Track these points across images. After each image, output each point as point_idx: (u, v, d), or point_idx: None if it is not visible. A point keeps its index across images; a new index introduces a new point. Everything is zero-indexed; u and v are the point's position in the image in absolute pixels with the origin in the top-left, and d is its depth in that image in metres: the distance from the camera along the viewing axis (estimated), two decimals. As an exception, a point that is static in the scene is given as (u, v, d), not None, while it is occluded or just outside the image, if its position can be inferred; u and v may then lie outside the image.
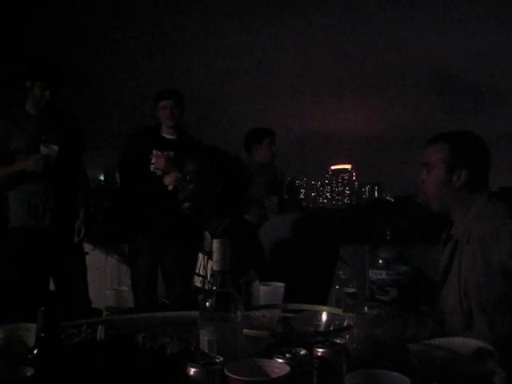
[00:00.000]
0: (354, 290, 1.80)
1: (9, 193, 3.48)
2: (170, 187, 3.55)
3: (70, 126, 3.56)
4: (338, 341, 1.22)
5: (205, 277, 2.30)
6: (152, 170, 3.66)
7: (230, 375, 1.04)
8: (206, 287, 2.22)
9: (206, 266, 2.29)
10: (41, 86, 3.32)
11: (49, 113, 3.44)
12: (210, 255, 2.25)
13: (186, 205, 2.35)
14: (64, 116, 3.57)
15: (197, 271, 2.37)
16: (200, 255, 2.38)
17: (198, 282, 2.35)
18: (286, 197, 4.49)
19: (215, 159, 2.35)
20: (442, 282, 2.00)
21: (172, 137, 3.75)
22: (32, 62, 3.47)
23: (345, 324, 1.46)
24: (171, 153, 3.68)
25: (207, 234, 2.33)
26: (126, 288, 2.16)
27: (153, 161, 3.65)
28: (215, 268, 1.25)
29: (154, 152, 3.67)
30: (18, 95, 3.43)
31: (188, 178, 2.33)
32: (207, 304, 1.23)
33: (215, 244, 1.26)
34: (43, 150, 3.30)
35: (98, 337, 1.38)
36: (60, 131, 3.45)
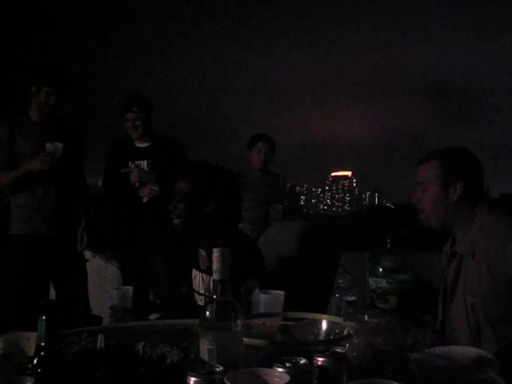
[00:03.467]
0: (354, 298, 1.79)
1: (11, 199, 3.49)
2: (145, 199, 3.60)
3: (71, 135, 3.58)
4: (339, 349, 1.22)
5: (206, 295, 2.28)
6: (131, 182, 3.68)
7: (230, 385, 1.04)
8: None
9: (209, 284, 2.26)
10: (47, 92, 3.33)
11: (51, 120, 3.45)
12: (209, 272, 2.23)
13: (176, 222, 2.32)
14: (66, 124, 3.59)
15: (196, 289, 2.36)
16: (197, 273, 2.36)
17: (199, 300, 2.33)
18: (287, 204, 4.50)
19: (205, 177, 2.32)
20: (449, 298, 2.00)
21: (144, 145, 3.74)
22: (40, 67, 3.49)
23: (345, 332, 1.45)
24: (144, 162, 3.70)
25: (202, 252, 2.31)
26: (131, 287, 2.16)
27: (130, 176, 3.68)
28: (215, 277, 1.25)
29: (129, 166, 3.70)
30: (20, 102, 3.44)
31: (178, 197, 2.30)
32: (207, 313, 1.23)
33: (215, 253, 1.26)
34: (48, 146, 3.32)
35: (97, 345, 1.37)
36: (62, 139, 3.46)
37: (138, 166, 3.69)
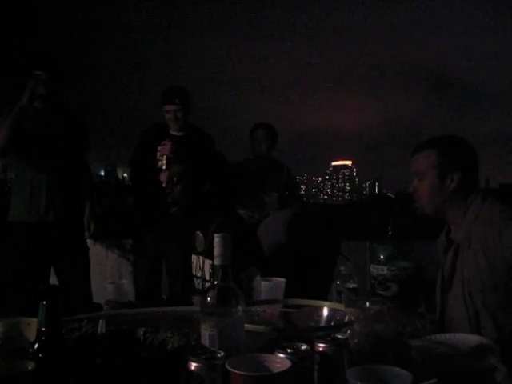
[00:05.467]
0: (355, 285, 1.79)
1: (13, 187, 3.48)
2: (164, 184, 3.56)
3: (75, 124, 3.59)
4: (340, 336, 1.22)
5: (202, 278, 2.28)
6: (158, 157, 3.63)
7: (232, 370, 1.04)
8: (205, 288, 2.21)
9: (203, 267, 2.27)
10: (37, 75, 3.31)
11: (54, 108, 3.45)
12: (204, 254, 2.23)
13: (173, 209, 2.32)
14: (69, 113, 3.59)
15: (194, 273, 2.36)
16: (194, 257, 2.36)
17: (196, 284, 2.34)
18: (287, 193, 4.51)
19: (200, 159, 2.31)
20: (447, 288, 2.00)
21: (180, 133, 3.73)
22: (30, 53, 3.49)
23: (346, 319, 1.46)
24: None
25: (199, 234, 2.31)
26: (126, 281, 2.16)
27: (159, 148, 3.66)
28: (216, 262, 1.25)
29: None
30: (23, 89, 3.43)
31: (175, 179, 2.28)
32: (209, 298, 1.23)
33: (216, 239, 1.26)
34: (37, 75, 3.31)
35: (98, 331, 1.37)
36: (65, 126, 3.48)
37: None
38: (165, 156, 3.61)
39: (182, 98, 3.70)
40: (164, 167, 3.60)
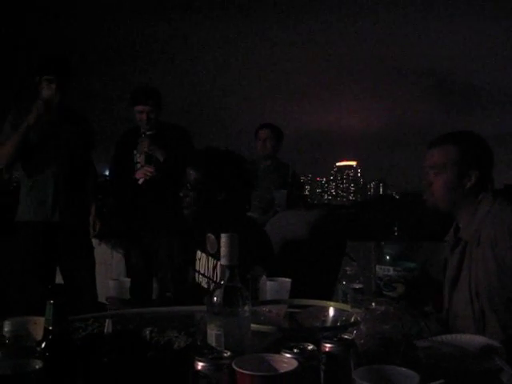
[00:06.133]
0: (361, 285, 1.79)
1: (21, 187, 3.50)
2: (141, 181, 3.60)
3: (81, 124, 3.61)
4: (346, 336, 1.22)
5: (211, 278, 2.28)
6: (136, 154, 3.72)
7: (238, 370, 1.04)
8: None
9: (215, 268, 2.26)
10: (47, 80, 3.34)
11: (60, 108, 3.46)
12: (216, 257, 2.23)
13: (186, 212, 2.30)
14: (74, 113, 3.61)
15: (199, 270, 2.35)
16: (203, 255, 2.35)
17: (203, 282, 2.33)
18: (293, 193, 4.52)
19: (216, 165, 2.28)
20: (453, 286, 1.99)
21: (151, 132, 3.76)
22: (40, 57, 3.51)
23: (352, 319, 1.46)
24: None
25: (211, 236, 2.30)
26: (128, 279, 2.17)
27: (138, 147, 3.71)
28: (223, 262, 1.25)
29: (135, 155, 3.75)
30: (31, 90, 3.46)
31: (189, 186, 2.27)
32: (215, 298, 1.23)
33: (223, 239, 1.26)
34: (43, 92, 3.32)
35: (105, 331, 1.38)
36: (71, 127, 3.50)
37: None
38: (143, 153, 3.67)
39: (154, 99, 3.71)
40: (142, 164, 3.67)
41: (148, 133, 3.73)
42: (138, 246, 3.78)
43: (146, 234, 3.73)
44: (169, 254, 3.62)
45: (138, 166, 3.72)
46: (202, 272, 2.34)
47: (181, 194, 2.30)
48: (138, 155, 3.74)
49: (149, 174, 3.59)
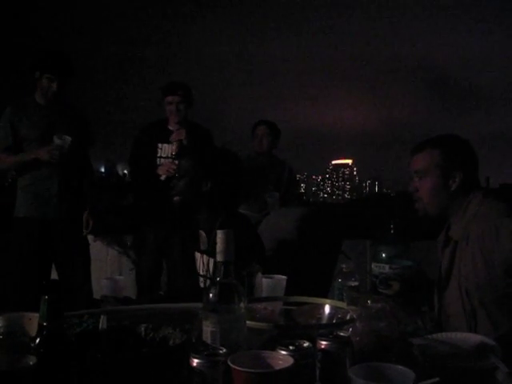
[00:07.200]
0: (356, 283, 1.79)
1: (18, 183, 3.49)
2: (163, 177, 3.57)
3: (78, 120, 3.60)
4: (342, 333, 1.22)
5: (207, 276, 2.28)
6: (160, 147, 3.68)
7: (234, 367, 1.03)
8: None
9: (208, 265, 2.27)
10: (48, 78, 3.33)
11: (58, 104, 3.45)
12: (208, 253, 2.24)
13: (175, 199, 2.33)
14: (73, 110, 3.60)
15: (198, 271, 2.36)
16: (197, 255, 2.36)
17: (201, 282, 2.34)
18: (288, 191, 4.50)
19: (206, 156, 2.33)
20: (444, 285, 2.00)
21: (177, 127, 3.74)
22: (41, 53, 3.50)
23: (348, 317, 1.45)
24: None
25: (202, 233, 2.31)
26: (122, 277, 2.17)
27: (173, 135, 3.68)
28: (219, 259, 1.25)
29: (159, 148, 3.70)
30: (28, 85, 3.45)
31: (178, 174, 2.31)
32: (210, 295, 1.22)
33: (219, 235, 1.25)
34: (56, 140, 3.31)
35: (100, 327, 1.37)
36: (69, 123, 3.49)
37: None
38: (177, 142, 3.63)
39: (185, 91, 3.72)
40: (174, 153, 3.61)
41: (173, 129, 3.72)
42: (149, 244, 3.74)
43: (161, 232, 3.69)
44: (182, 256, 3.58)
45: (162, 160, 3.67)
46: (199, 272, 2.34)
47: (171, 184, 2.34)
48: (162, 149, 3.70)
49: (171, 170, 3.53)
